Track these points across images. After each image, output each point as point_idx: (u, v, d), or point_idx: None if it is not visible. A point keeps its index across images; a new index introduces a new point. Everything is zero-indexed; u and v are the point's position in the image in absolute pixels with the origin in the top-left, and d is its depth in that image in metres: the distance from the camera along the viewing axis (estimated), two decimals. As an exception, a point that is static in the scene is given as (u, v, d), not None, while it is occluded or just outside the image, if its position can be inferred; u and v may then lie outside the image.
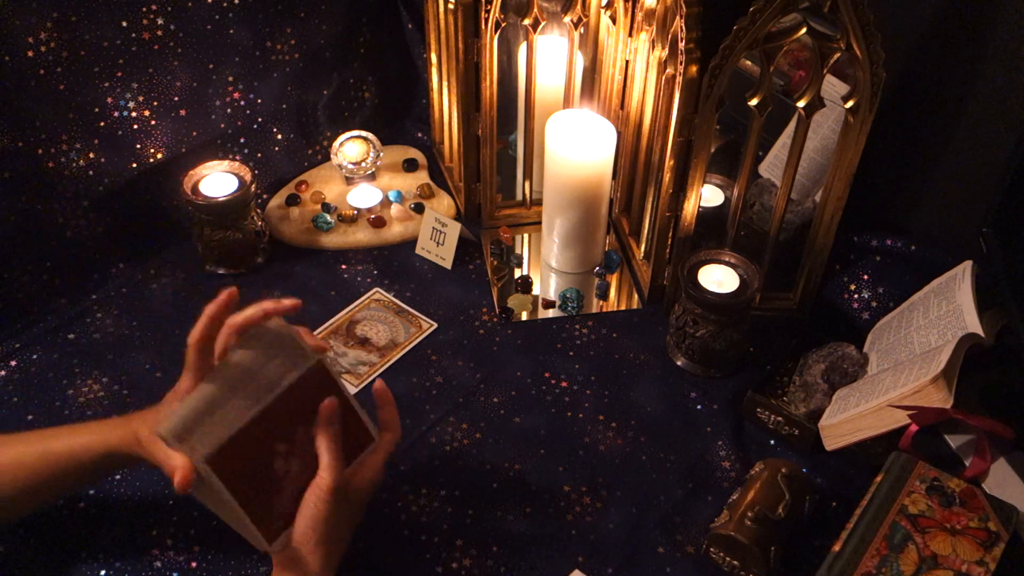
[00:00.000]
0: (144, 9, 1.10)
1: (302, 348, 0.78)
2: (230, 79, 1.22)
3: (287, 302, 0.77)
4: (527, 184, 1.27)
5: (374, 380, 1.06)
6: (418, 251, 1.24)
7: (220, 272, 1.20)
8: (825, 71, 0.96)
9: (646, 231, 1.19)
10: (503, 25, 1.10)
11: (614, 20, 1.13)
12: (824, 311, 1.14)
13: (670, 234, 1.10)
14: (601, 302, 1.19)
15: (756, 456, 0.99)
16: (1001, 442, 0.91)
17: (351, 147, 1.31)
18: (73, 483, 0.85)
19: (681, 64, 0.97)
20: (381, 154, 1.32)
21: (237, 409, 0.75)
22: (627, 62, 1.15)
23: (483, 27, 1.09)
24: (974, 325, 0.93)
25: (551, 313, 1.16)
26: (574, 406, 1.04)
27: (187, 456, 0.73)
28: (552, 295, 1.19)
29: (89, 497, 0.91)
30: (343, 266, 1.22)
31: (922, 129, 1.10)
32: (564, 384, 1.07)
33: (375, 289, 1.19)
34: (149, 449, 0.78)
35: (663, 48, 1.03)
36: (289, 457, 0.78)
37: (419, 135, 1.44)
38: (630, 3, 1.09)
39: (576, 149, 1.11)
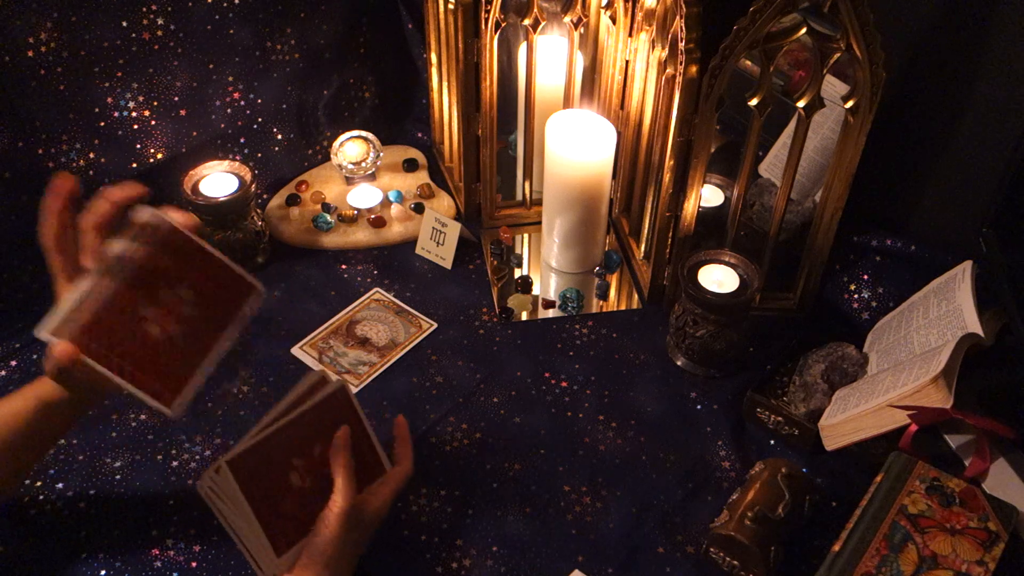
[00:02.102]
0: (144, 9, 1.10)
1: (326, 374, 0.83)
2: (230, 79, 1.22)
3: (130, 187, 0.73)
4: (527, 184, 1.27)
5: (371, 380, 1.06)
6: (418, 251, 1.24)
7: (220, 272, 1.19)
8: (825, 71, 0.96)
9: (646, 231, 1.19)
10: (503, 25, 1.10)
11: (614, 20, 1.13)
12: (824, 311, 1.14)
13: (670, 234, 1.10)
14: (601, 302, 1.19)
15: (756, 456, 0.99)
16: (1001, 442, 0.91)
17: (351, 147, 1.31)
18: (22, 448, 0.81)
19: (681, 64, 0.97)
20: (381, 154, 1.32)
21: (107, 290, 0.73)
22: (627, 62, 1.15)
23: (483, 27, 1.09)
24: (974, 325, 0.93)
25: (551, 313, 1.16)
26: (574, 406, 1.04)
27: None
28: (552, 295, 1.19)
29: (89, 497, 0.91)
30: (343, 266, 1.22)
31: (922, 129, 1.10)
32: (564, 384, 1.07)
33: (375, 289, 1.19)
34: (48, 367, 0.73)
35: (663, 48, 1.03)
36: (305, 473, 0.79)
37: (419, 135, 1.44)
38: (630, 3, 1.09)
39: (576, 149, 1.11)
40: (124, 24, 1.10)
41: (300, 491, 0.79)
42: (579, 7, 1.12)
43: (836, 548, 0.80)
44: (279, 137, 1.32)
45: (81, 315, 0.72)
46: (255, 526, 0.76)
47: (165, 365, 0.77)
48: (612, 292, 1.20)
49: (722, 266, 1.06)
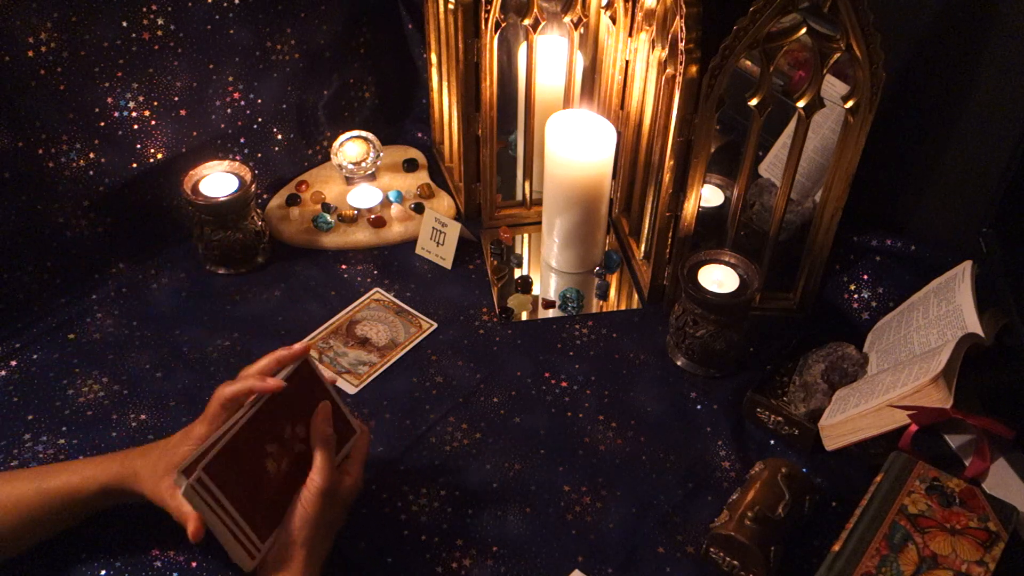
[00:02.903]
0: (144, 9, 1.10)
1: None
2: (230, 79, 1.22)
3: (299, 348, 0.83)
4: (527, 184, 1.27)
5: (371, 380, 1.06)
6: (418, 251, 1.24)
7: (220, 272, 1.20)
8: (825, 71, 0.96)
9: (646, 231, 1.19)
10: (503, 25, 1.10)
11: (614, 20, 1.13)
12: (824, 311, 1.14)
13: (670, 234, 1.10)
14: (601, 302, 1.19)
15: (756, 456, 0.99)
16: (1001, 442, 0.91)
17: (351, 147, 1.31)
18: (70, 519, 0.85)
19: (681, 64, 0.97)
20: (381, 154, 1.32)
21: (245, 417, 0.77)
22: (627, 62, 1.15)
23: (483, 27, 1.09)
24: (974, 325, 0.93)
25: (551, 313, 1.16)
26: (574, 406, 1.04)
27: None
28: (552, 295, 1.19)
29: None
30: (343, 266, 1.22)
31: (922, 129, 1.10)
32: (564, 384, 1.07)
33: (375, 289, 1.19)
34: (156, 491, 0.80)
35: (663, 48, 1.03)
36: (280, 457, 0.79)
37: (419, 135, 1.44)
38: (630, 3, 1.09)
39: (576, 149, 1.11)
40: (124, 24, 1.10)
41: (277, 475, 0.79)
42: (579, 7, 1.12)
43: (836, 548, 0.80)
44: (279, 137, 1.32)
45: (216, 446, 0.74)
46: (241, 523, 0.76)
47: (269, 501, 0.78)
48: (612, 292, 1.20)
49: (722, 266, 1.06)
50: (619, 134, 1.17)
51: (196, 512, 0.76)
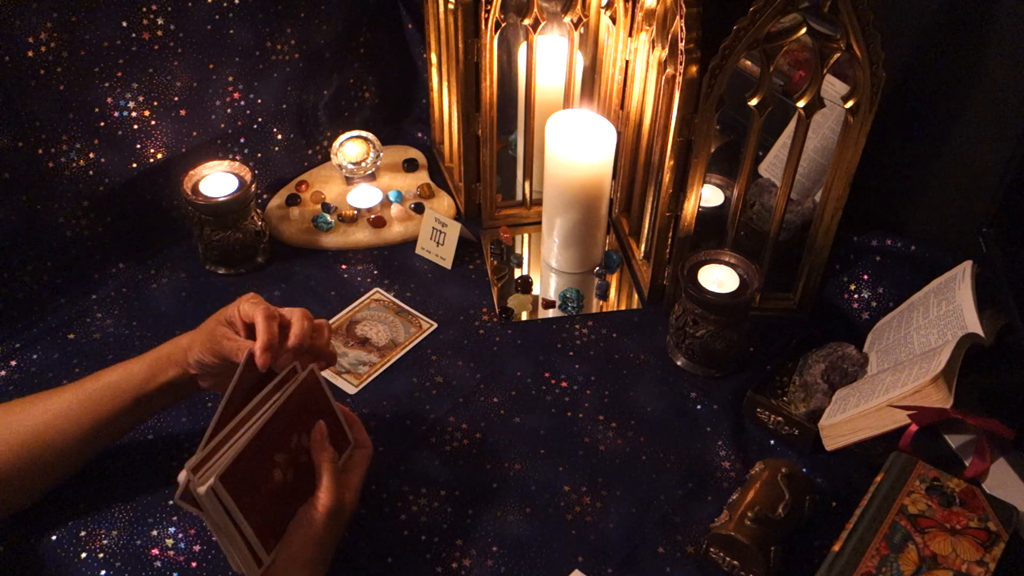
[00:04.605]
0: (144, 9, 1.10)
1: (295, 365, 0.82)
2: (230, 79, 1.22)
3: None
4: (527, 184, 1.27)
5: (371, 380, 1.06)
6: (418, 251, 1.24)
7: (220, 272, 1.20)
8: (825, 71, 0.96)
9: (646, 231, 1.19)
10: (503, 25, 1.10)
11: (614, 20, 1.13)
12: (824, 311, 1.14)
13: (670, 234, 1.10)
14: (601, 302, 1.19)
15: (756, 456, 0.99)
16: (1001, 442, 0.91)
17: (351, 147, 1.31)
18: (119, 423, 0.88)
19: (681, 64, 0.97)
20: (381, 154, 1.32)
21: (257, 427, 0.77)
22: (627, 62, 1.15)
23: (483, 27, 1.09)
24: (974, 325, 0.93)
25: (551, 313, 1.16)
26: (574, 406, 1.04)
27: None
28: (552, 295, 1.19)
29: (89, 497, 0.91)
30: (343, 266, 1.22)
31: (922, 129, 1.10)
32: (564, 384, 1.07)
33: (375, 289, 1.19)
34: (211, 339, 0.83)
35: (663, 48, 1.03)
36: (287, 467, 0.79)
37: (419, 135, 1.44)
38: (630, 3, 1.09)
39: (576, 149, 1.11)
40: (124, 24, 1.10)
41: (283, 484, 0.79)
42: (579, 7, 1.12)
43: (836, 548, 0.80)
44: (279, 137, 1.32)
45: (228, 452, 0.75)
46: (249, 533, 0.75)
47: (277, 511, 0.78)
48: (612, 292, 1.20)
49: (722, 266, 1.06)
50: (619, 134, 1.17)
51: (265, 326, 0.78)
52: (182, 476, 0.72)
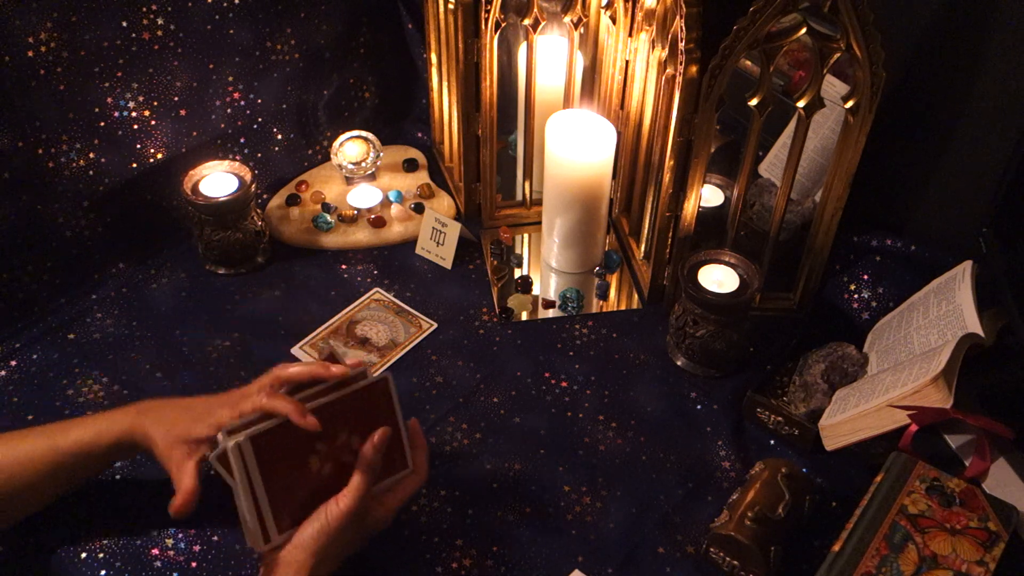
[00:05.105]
0: (144, 9, 1.10)
1: (366, 369, 0.83)
2: (230, 79, 1.22)
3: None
4: (527, 184, 1.27)
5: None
6: (418, 251, 1.24)
7: (220, 272, 1.20)
8: (825, 71, 0.96)
9: (646, 231, 1.19)
10: (503, 25, 1.10)
11: (614, 20, 1.13)
12: (824, 311, 1.14)
13: (670, 234, 1.10)
14: (601, 302, 1.19)
15: (756, 456, 0.99)
16: (1001, 442, 0.91)
17: (351, 147, 1.31)
18: (84, 473, 0.87)
19: (681, 64, 0.97)
20: (381, 154, 1.32)
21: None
22: (627, 62, 1.15)
23: (483, 27, 1.09)
24: (974, 325, 0.93)
25: (551, 313, 1.16)
26: (574, 406, 1.04)
27: (192, 481, 0.79)
28: (552, 295, 1.19)
29: (89, 497, 0.91)
30: (343, 266, 1.22)
31: (922, 129, 1.10)
32: (564, 384, 1.07)
33: (375, 289, 1.19)
34: (166, 456, 0.81)
35: (663, 48, 1.03)
36: (325, 458, 0.79)
37: (419, 135, 1.44)
38: (630, 3, 1.09)
39: (576, 149, 1.11)
40: (124, 24, 1.10)
41: (316, 475, 0.79)
42: (579, 7, 1.12)
43: (836, 548, 0.80)
44: (279, 137, 1.32)
45: (268, 424, 0.76)
46: (264, 503, 0.76)
47: (300, 497, 0.78)
48: (612, 292, 1.20)
49: (722, 266, 1.06)
50: (619, 134, 1.17)
51: (193, 487, 0.79)
52: (220, 435, 0.75)
